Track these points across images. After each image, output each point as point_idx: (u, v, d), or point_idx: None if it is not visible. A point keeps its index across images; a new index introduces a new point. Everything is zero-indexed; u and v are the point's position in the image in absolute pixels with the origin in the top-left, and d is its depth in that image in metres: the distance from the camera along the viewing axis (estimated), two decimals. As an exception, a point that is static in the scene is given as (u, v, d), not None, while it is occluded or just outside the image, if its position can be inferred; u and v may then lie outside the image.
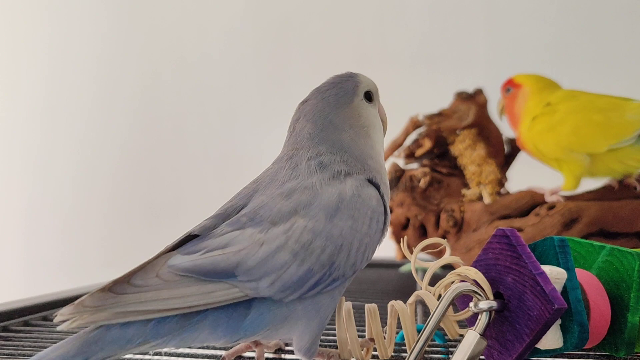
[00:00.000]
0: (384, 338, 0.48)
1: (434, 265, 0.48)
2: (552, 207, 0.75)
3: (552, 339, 0.44)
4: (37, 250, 1.46)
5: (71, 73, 1.49)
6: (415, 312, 0.68)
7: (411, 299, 0.48)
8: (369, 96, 0.50)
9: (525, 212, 0.77)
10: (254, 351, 0.48)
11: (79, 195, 1.45)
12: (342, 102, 0.49)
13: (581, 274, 0.48)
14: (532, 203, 0.77)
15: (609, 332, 0.47)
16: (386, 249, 1.01)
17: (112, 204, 1.44)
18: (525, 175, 0.88)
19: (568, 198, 0.78)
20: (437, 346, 0.54)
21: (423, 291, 0.47)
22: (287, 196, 0.44)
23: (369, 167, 0.48)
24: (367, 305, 0.48)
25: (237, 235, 0.43)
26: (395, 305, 0.47)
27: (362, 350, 0.48)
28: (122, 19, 1.48)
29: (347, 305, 0.47)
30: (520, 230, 0.74)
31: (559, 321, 0.44)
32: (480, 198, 0.81)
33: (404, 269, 1.04)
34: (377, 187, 0.47)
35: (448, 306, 0.44)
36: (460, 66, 1.32)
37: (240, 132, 1.39)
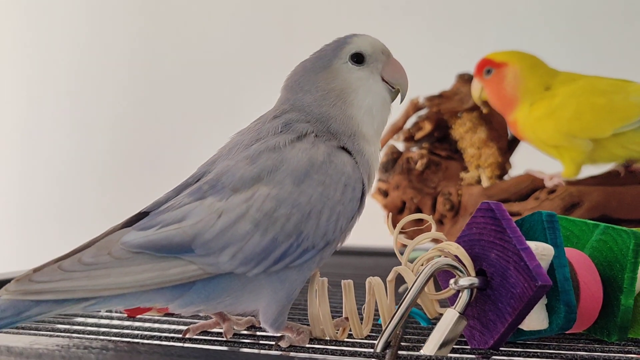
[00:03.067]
0: (361, 317, 0.46)
1: (415, 241, 0.45)
2: (552, 191, 0.72)
3: (536, 320, 0.41)
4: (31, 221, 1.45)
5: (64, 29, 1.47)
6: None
7: (390, 276, 0.45)
8: (359, 58, 0.46)
9: (524, 196, 0.73)
10: (222, 328, 0.46)
11: (76, 158, 1.43)
12: (317, 66, 0.46)
13: (572, 253, 0.45)
14: (532, 187, 0.74)
15: (601, 315, 0.44)
16: (384, 237, 0.98)
17: (109, 166, 1.42)
18: (529, 161, 0.84)
19: (570, 182, 0.74)
20: (421, 329, 0.51)
21: (402, 267, 0.44)
22: (253, 160, 0.42)
23: (334, 131, 0.45)
24: (343, 281, 0.46)
25: (196, 206, 0.40)
26: (372, 281, 0.45)
27: (338, 330, 0.46)
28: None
29: (321, 280, 0.45)
30: (518, 214, 0.71)
31: (544, 300, 0.41)
32: (479, 181, 0.77)
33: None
34: (350, 154, 0.44)
35: (426, 282, 0.42)
36: (463, 47, 1.28)
37: (246, 118, 1.36)
